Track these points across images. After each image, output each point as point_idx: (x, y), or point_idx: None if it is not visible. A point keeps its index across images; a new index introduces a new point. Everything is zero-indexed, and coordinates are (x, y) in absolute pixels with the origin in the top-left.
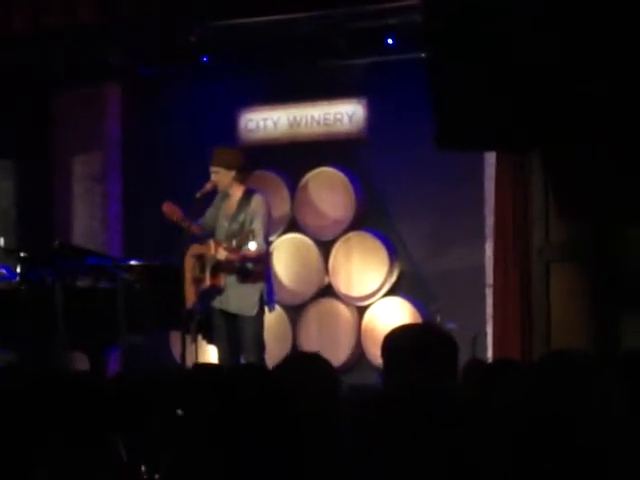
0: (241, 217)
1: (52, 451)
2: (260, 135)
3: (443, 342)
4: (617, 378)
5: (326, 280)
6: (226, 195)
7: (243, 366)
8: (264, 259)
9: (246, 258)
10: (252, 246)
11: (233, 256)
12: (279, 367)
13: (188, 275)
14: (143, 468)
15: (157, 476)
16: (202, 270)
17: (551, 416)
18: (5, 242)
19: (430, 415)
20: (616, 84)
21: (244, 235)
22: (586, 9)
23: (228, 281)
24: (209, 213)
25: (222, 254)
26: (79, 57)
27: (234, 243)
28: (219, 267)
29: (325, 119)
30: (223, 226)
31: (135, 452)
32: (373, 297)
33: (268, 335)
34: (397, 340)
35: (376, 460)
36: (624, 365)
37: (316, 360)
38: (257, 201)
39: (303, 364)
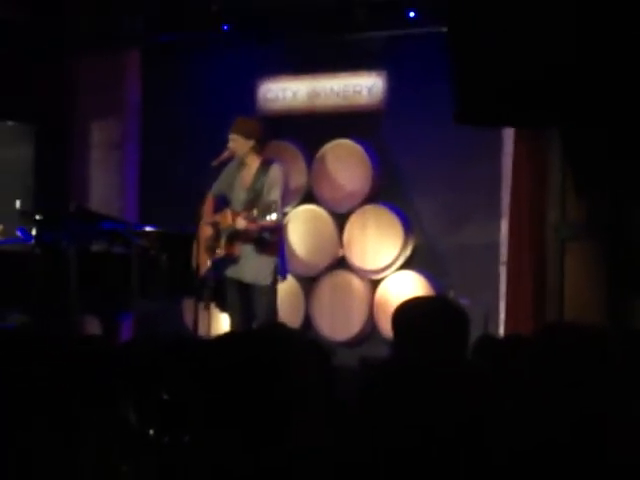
0: (258, 186)
1: (61, 412)
2: (279, 105)
3: (455, 316)
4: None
5: (340, 252)
6: (242, 164)
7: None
8: (280, 229)
9: (264, 228)
10: (274, 217)
11: (252, 226)
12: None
13: (202, 243)
14: (151, 432)
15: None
16: (217, 239)
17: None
18: (22, 205)
19: (437, 388)
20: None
21: (265, 206)
22: None
23: (243, 251)
24: (223, 179)
25: (241, 223)
26: (99, 23)
27: (255, 213)
28: (236, 236)
29: (344, 91)
30: (239, 196)
31: (145, 416)
32: (387, 270)
33: (281, 305)
34: (408, 312)
35: (381, 431)
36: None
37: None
38: (275, 171)
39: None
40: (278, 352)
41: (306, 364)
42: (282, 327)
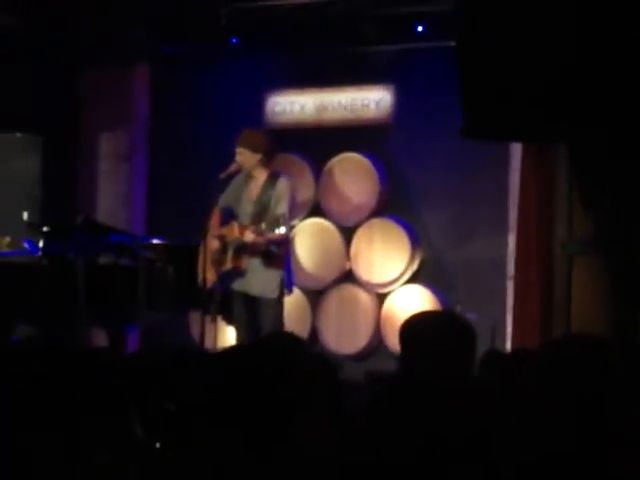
0: (265, 199)
1: (67, 424)
2: (286, 118)
3: (462, 330)
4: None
5: (347, 266)
6: (249, 177)
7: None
8: (287, 243)
9: (272, 241)
10: (282, 230)
11: (260, 239)
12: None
13: (209, 256)
14: (158, 445)
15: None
16: (223, 252)
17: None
18: (29, 217)
19: (444, 402)
20: None
21: (274, 219)
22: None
23: (250, 264)
24: (230, 192)
25: (250, 236)
26: (108, 35)
27: (263, 226)
28: (243, 249)
29: (352, 105)
30: (246, 209)
31: (150, 428)
32: (394, 284)
33: (287, 319)
34: (415, 327)
35: (388, 445)
36: None
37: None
38: (283, 184)
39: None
40: (283, 362)
41: (311, 373)
42: (289, 336)
